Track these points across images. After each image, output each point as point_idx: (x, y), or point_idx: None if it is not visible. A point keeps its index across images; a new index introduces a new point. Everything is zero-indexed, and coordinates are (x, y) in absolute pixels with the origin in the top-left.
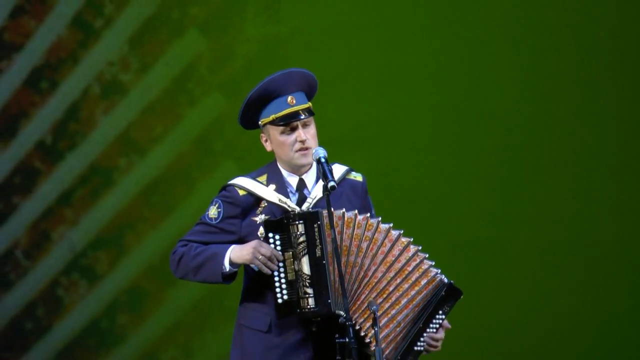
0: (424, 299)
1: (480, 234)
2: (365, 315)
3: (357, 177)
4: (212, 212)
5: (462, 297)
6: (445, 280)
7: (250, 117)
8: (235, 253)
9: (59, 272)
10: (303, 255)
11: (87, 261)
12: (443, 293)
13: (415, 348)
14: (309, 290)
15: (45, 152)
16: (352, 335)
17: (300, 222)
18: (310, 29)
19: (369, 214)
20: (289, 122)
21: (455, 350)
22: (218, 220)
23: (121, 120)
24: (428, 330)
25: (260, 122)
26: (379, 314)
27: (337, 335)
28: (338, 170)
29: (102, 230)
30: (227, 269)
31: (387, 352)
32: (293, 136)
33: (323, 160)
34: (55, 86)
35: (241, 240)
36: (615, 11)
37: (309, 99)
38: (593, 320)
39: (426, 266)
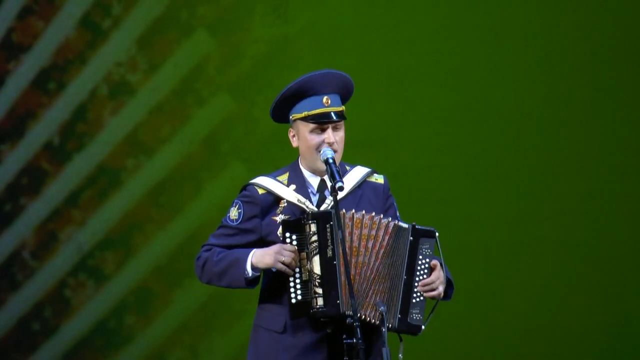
0: (395, 252)
1: (493, 235)
2: (379, 316)
3: (378, 179)
4: (233, 213)
5: (437, 234)
6: (405, 224)
7: (282, 111)
8: (257, 258)
9: (67, 273)
10: (314, 255)
11: (95, 262)
12: (411, 238)
13: (414, 300)
14: (319, 290)
15: (53, 153)
16: (359, 336)
17: (313, 221)
18: (318, 29)
19: (373, 213)
20: (321, 122)
21: (468, 351)
22: (239, 222)
23: (129, 121)
24: (417, 279)
25: (291, 117)
26: (381, 295)
27: (344, 336)
28: (360, 172)
29: (110, 231)
30: (250, 274)
31: (390, 321)
32: (322, 137)
33: (331, 160)
34: (63, 87)
35: (262, 240)
36: (629, 11)
37: (344, 102)
38: (607, 322)
39: (398, 229)
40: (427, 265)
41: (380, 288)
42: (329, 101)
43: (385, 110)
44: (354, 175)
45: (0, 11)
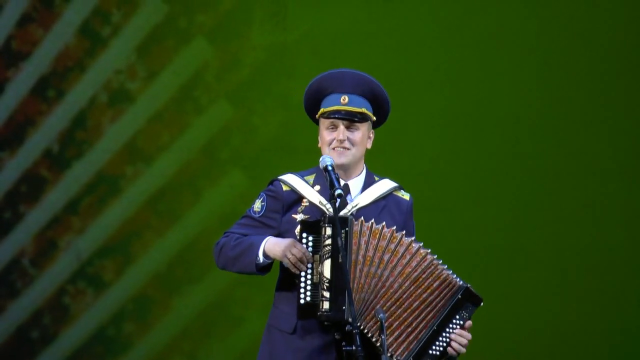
0: (439, 300)
1: (491, 241)
2: (378, 324)
3: (404, 195)
4: (257, 205)
5: (482, 304)
6: (461, 283)
7: (311, 107)
8: (270, 246)
9: (66, 281)
10: (326, 259)
11: (94, 269)
12: (459, 296)
13: (430, 352)
14: (326, 294)
15: (52, 160)
16: (358, 343)
17: (329, 225)
18: (317, 37)
19: (395, 227)
20: (332, 118)
21: (466, 356)
22: (261, 214)
23: (128, 128)
24: (444, 334)
25: (317, 115)
26: (391, 319)
27: (343, 343)
28: (386, 185)
29: (109, 238)
30: (261, 260)
31: (397, 353)
32: (334, 134)
33: (330, 168)
34: (62, 94)
35: (280, 236)
36: (627, 18)
37: (374, 108)
38: (605, 328)
39: (439, 270)
40: (457, 327)
41: (399, 313)
42: (347, 100)
43: None
44: (381, 187)
45: None
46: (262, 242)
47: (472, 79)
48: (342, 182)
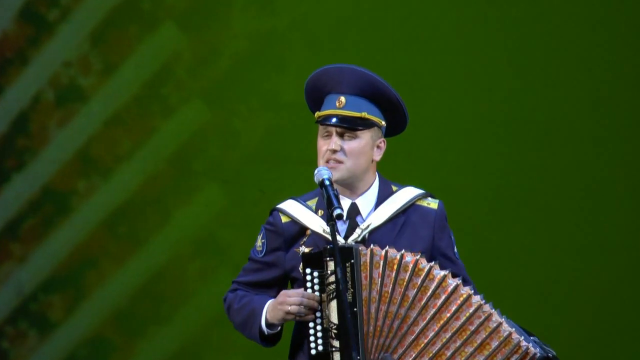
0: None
1: (514, 265)
2: None
3: (431, 204)
4: (259, 243)
5: None
6: (538, 351)
7: (314, 109)
8: (270, 313)
9: (4, 320)
10: (332, 300)
11: (38, 306)
12: None
13: None
14: (336, 343)
15: None
16: None
17: (331, 258)
18: (312, 23)
19: (419, 255)
20: (324, 125)
21: None
22: (263, 254)
23: (80, 133)
24: None
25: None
26: None
27: None
28: (407, 195)
29: (57, 268)
30: (266, 332)
31: None
32: (327, 143)
33: (327, 182)
34: (0, 92)
35: (286, 276)
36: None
37: (385, 112)
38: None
39: (494, 324)
40: None
41: None
42: (343, 102)
43: None
44: (399, 199)
45: None
46: (263, 308)
47: (498, 77)
48: (348, 202)
